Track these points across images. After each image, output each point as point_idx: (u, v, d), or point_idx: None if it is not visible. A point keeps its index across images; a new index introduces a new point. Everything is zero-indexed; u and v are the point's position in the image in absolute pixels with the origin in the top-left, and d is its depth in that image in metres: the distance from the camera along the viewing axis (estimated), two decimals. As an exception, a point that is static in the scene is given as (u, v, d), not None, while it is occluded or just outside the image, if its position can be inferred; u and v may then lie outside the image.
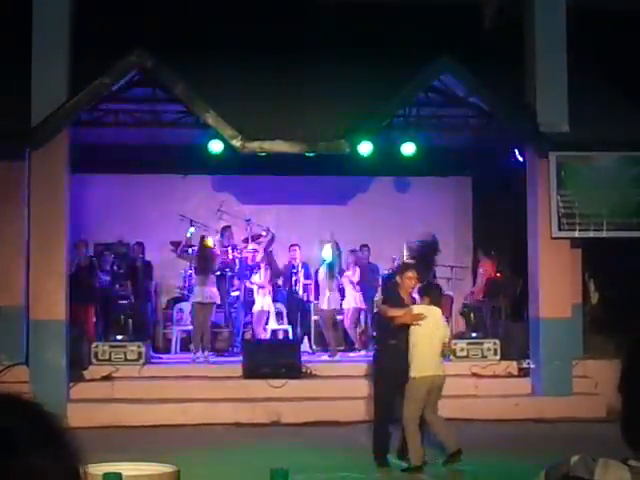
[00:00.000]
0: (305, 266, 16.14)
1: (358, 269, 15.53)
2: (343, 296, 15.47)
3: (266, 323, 15.40)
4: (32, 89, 12.83)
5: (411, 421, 9.79)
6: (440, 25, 14.68)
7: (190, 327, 15.15)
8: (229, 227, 16.26)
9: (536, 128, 13.48)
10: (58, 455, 1.19)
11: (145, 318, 15.68)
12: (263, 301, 15.30)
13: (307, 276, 16.08)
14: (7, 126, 12.78)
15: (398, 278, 10.43)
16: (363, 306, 15.63)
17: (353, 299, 15.43)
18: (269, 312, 15.39)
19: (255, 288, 15.44)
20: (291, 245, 16.16)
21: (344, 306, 15.47)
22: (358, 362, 14.48)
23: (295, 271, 16.03)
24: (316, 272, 15.79)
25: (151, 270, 16.15)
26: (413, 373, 9.83)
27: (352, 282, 15.41)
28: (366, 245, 16.22)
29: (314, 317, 15.79)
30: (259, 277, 15.40)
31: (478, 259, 16.04)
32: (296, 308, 15.99)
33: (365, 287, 15.95)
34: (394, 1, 15.26)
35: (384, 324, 10.31)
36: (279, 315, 15.84)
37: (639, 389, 1.72)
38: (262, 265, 15.41)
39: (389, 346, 10.11)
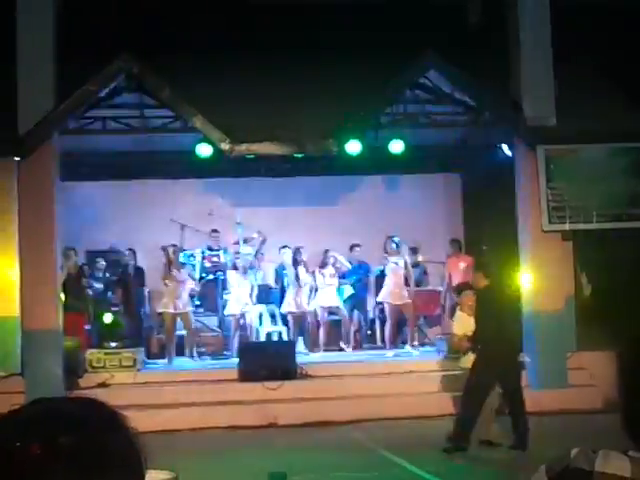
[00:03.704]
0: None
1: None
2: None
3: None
4: (19, 97, 12.80)
5: None
6: (425, 22, 14.67)
7: (183, 332, 15.23)
8: (216, 230, 16.27)
9: (523, 122, 13.50)
10: (123, 438, 1.36)
11: (138, 324, 15.67)
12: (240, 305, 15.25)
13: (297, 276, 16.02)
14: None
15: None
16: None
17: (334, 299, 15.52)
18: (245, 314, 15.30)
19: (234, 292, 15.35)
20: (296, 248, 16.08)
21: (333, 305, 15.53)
22: (352, 362, 14.52)
23: (287, 272, 16.03)
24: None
25: (143, 276, 16.12)
26: None
27: (331, 283, 15.49)
28: (358, 244, 16.22)
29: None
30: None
31: (450, 254, 16.11)
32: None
33: (357, 285, 16.00)
34: (379, 0, 15.26)
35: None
36: (273, 317, 15.83)
37: (638, 382, 1.72)
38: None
39: None
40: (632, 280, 13.80)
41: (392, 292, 15.09)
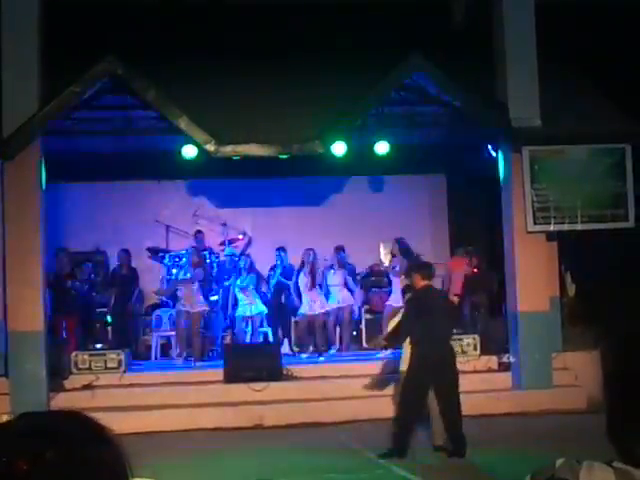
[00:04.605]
0: (286, 268, 16.06)
1: (341, 270, 15.57)
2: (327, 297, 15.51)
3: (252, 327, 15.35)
4: (3, 100, 12.76)
5: None
6: (410, 23, 14.70)
7: (172, 333, 15.23)
8: (201, 231, 16.26)
9: (508, 123, 13.53)
10: (108, 450, 1.37)
11: (126, 326, 15.62)
12: (249, 306, 15.27)
13: (288, 277, 15.99)
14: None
15: None
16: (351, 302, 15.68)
17: (339, 299, 15.45)
18: (253, 317, 15.33)
19: (239, 294, 15.39)
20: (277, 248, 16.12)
21: (328, 307, 15.48)
22: (339, 362, 14.51)
23: (273, 273, 16.03)
24: (297, 275, 15.73)
25: (137, 277, 16.02)
26: None
27: (336, 283, 15.44)
28: (341, 246, 16.19)
29: (295, 319, 15.80)
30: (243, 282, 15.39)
31: (456, 257, 16.07)
32: (276, 310, 15.96)
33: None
34: (364, 1, 15.28)
35: None
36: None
37: (624, 393, 1.72)
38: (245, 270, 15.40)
39: None
40: (616, 280, 13.86)
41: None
